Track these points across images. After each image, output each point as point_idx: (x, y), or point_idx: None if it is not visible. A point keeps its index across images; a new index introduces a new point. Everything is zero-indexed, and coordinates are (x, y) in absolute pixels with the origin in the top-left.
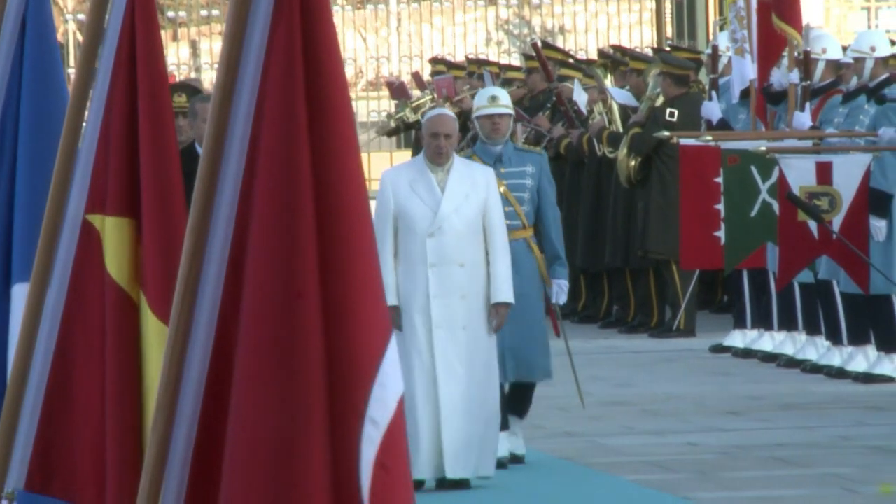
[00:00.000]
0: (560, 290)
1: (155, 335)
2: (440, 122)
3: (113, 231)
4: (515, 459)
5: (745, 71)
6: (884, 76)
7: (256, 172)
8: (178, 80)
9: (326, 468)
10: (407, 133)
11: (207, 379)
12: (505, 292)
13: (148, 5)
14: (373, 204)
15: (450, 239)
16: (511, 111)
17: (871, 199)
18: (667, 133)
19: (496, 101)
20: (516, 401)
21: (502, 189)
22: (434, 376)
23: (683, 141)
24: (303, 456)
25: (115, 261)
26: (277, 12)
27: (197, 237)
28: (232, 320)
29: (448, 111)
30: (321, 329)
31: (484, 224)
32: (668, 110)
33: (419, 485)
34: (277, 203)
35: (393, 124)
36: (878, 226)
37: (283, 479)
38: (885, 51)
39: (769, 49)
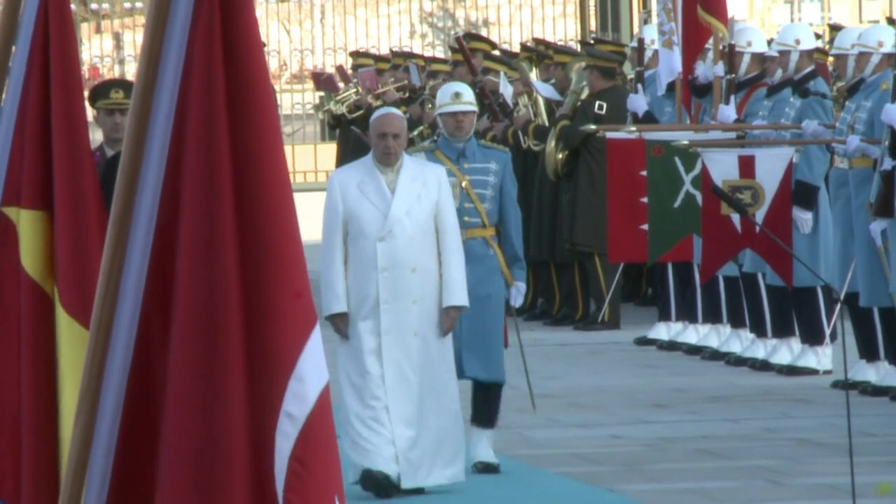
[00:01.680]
0: (517, 293)
1: (65, 329)
2: (388, 122)
3: (28, 224)
4: (489, 469)
5: (674, 64)
6: (808, 69)
7: (182, 170)
8: (101, 72)
9: (247, 463)
10: (331, 124)
11: (130, 374)
12: (458, 296)
13: None
14: (299, 196)
15: (401, 242)
16: (475, 108)
17: (796, 192)
18: (593, 126)
19: (459, 97)
20: (480, 409)
21: (464, 184)
22: (384, 385)
23: (610, 134)
24: (225, 450)
25: (30, 254)
26: (198, 3)
27: (118, 232)
28: (154, 315)
29: (396, 110)
30: (242, 324)
31: (436, 225)
32: (598, 103)
33: (420, 491)
34: (200, 199)
35: (321, 117)
36: (804, 218)
37: (206, 473)
38: (809, 44)
39: (693, 41)
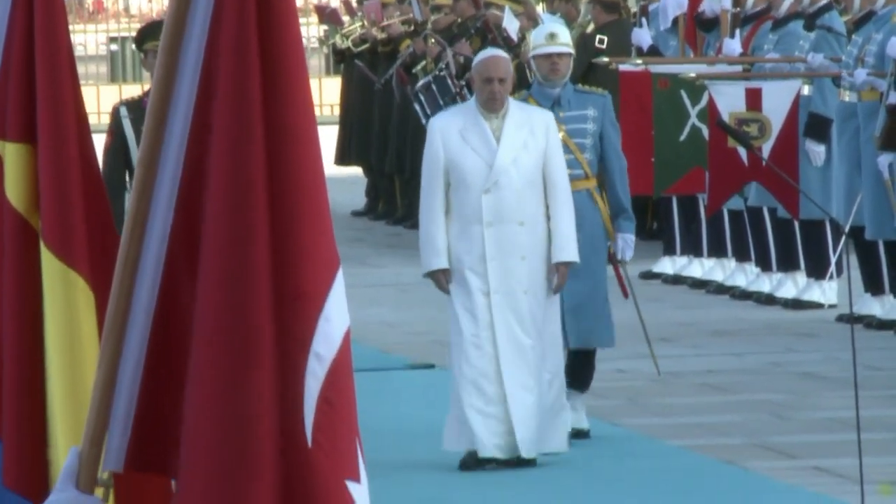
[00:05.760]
0: (626, 245)
1: (46, 264)
2: (493, 66)
3: (13, 157)
4: (580, 434)
5: None
6: (823, 2)
7: (211, 105)
8: (105, 5)
9: (275, 403)
10: (336, 58)
11: (155, 313)
12: (569, 251)
13: None
14: None
15: (508, 194)
16: (571, 50)
17: (810, 124)
18: (606, 59)
19: (555, 38)
20: (576, 372)
21: (561, 135)
22: (495, 347)
23: (622, 67)
24: (252, 391)
25: (15, 187)
26: None
27: (146, 172)
28: (181, 253)
29: (501, 53)
30: (269, 263)
31: (544, 175)
32: (598, 37)
33: (488, 462)
34: (227, 136)
35: (325, 51)
36: (817, 150)
37: (233, 415)
38: None
39: None
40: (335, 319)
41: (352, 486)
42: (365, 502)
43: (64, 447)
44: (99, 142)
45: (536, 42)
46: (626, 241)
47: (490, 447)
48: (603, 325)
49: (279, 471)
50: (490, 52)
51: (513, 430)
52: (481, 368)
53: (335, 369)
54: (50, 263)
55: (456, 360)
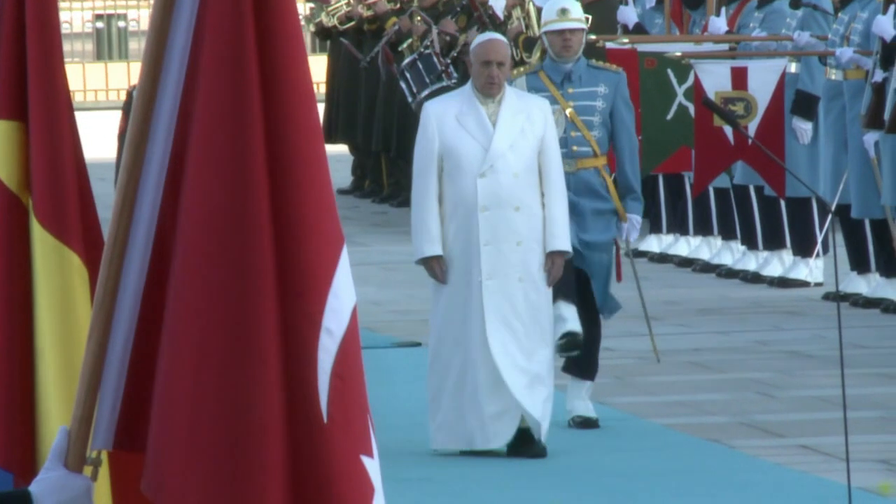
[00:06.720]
0: (632, 227)
1: (38, 240)
2: (492, 49)
3: (3, 134)
4: (588, 423)
5: None
6: None
7: (198, 83)
8: None
9: (282, 378)
10: (322, 36)
11: (145, 289)
12: (561, 239)
13: None
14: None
15: (504, 179)
16: (584, 25)
17: (797, 101)
18: (593, 36)
19: (567, 14)
20: (580, 360)
21: (568, 112)
22: (483, 334)
23: (609, 45)
24: (256, 365)
25: (6, 164)
26: None
27: (135, 152)
28: (171, 231)
29: (499, 36)
30: (272, 240)
31: (540, 162)
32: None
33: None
34: (223, 109)
35: (312, 29)
36: (804, 128)
37: (235, 388)
38: None
39: None
40: (343, 295)
41: (366, 461)
42: (377, 477)
43: (58, 427)
44: (84, 120)
45: (548, 18)
46: (633, 223)
47: (484, 437)
48: (603, 305)
49: (291, 450)
50: (488, 35)
51: (483, 421)
52: (476, 359)
53: (345, 345)
54: (43, 240)
55: (444, 353)
